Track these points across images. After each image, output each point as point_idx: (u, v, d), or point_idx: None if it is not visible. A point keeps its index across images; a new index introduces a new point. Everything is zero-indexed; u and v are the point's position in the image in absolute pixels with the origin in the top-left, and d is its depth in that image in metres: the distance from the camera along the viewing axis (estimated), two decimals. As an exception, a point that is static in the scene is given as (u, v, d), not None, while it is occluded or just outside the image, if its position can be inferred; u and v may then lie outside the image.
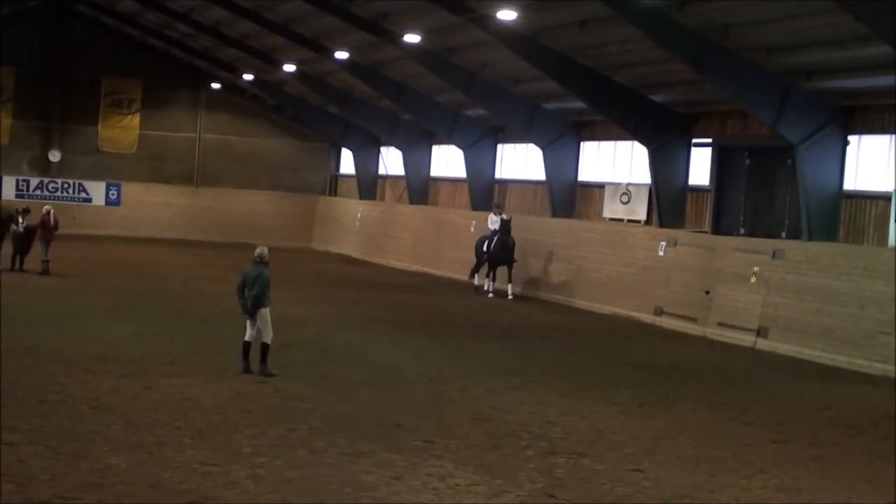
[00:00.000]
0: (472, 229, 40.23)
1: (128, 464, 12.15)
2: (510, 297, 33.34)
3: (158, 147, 55.01)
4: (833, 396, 19.62)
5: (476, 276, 35.49)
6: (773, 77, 26.05)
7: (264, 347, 18.17)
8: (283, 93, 52.42)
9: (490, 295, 33.81)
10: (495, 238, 33.77)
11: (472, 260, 35.72)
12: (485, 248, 34.48)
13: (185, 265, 39.94)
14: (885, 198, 25.50)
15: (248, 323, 18.36)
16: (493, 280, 34.30)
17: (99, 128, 53.95)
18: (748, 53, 25.82)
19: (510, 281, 33.70)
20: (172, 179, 55.21)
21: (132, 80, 53.77)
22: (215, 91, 55.09)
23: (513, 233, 34.31)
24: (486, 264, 34.66)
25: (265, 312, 18.20)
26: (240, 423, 14.55)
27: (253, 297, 18.10)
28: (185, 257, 43.46)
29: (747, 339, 25.87)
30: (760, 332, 25.72)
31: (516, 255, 33.69)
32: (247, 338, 18.33)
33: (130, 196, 54.21)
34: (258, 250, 18.66)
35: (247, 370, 18.11)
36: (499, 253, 33.66)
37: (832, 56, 24.52)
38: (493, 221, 34.36)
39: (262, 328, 18.18)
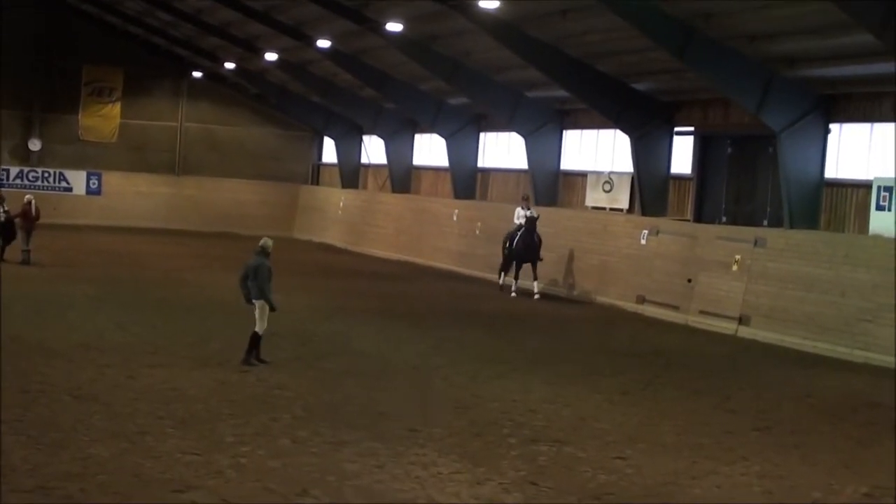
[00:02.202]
0: (455, 218, 40.29)
1: (110, 453, 12.13)
2: (536, 295, 30.95)
3: (140, 136, 54.82)
4: (814, 383, 19.70)
5: (503, 275, 32.94)
6: (756, 65, 26.09)
7: (254, 337, 18.14)
8: (265, 81, 52.28)
9: (513, 294, 31.39)
10: (518, 234, 31.70)
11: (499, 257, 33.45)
12: (508, 245, 32.45)
13: (167, 254, 39.86)
14: (865, 186, 25.58)
15: (256, 314, 18.35)
16: (517, 278, 31.84)
17: (80, 116, 53.74)
18: (731, 42, 25.85)
19: (535, 279, 31.15)
20: (154, 168, 55.03)
21: (113, 68, 53.56)
22: (197, 80, 54.93)
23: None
24: (511, 262, 32.44)
25: (262, 304, 18.15)
26: (223, 412, 14.54)
27: (259, 289, 18.07)
28: (167, 246, 43.36)
29: (729, 327, 25.95)
30: (742, 320, 25.80)
31: (542, 254, 31.35)
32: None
33: (111, 185, 54.02)
34: (262, 241, 18.66)
35: (259, 361, 18.14)
36: (523, 252, 31.45)
37: (814, 44, 24.57)
38: (520, 216, 32.14)
39: (258, 318, 18.14)
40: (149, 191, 54.67)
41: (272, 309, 18.28)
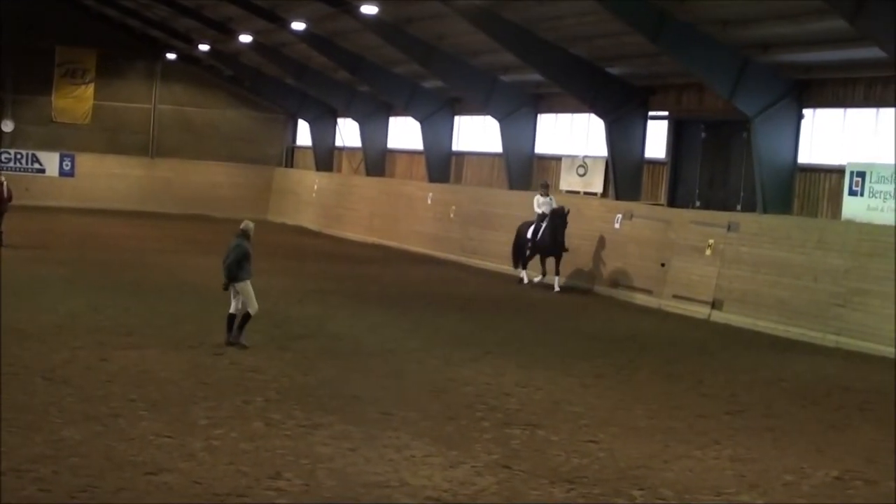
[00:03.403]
0: (429, 201, 40.27)
1: (82, 436, 12.10)
2: (557, 289, 29.35)
3: (113, 118, 54.53)
4: (786, 368, 19.79)
5: (521, 268, 31.10)
6: (730, 50, 26.14)
7: (244, 317, 18.10)
8: (239, 63, 52.08)
9: (557, 289, 29.42)
10: (543, 226, 29.71)
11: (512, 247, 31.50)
12: (529, 236, 30.28)
13: (141, 237, 39.73)
14: (838, 171, 25.69)
15: (231, 295, 18.28)
16: (544, 273, 30.04)
17: (53, 98, 53.39)
18: (705, 27, 25.89)
19: (557, 273, 29.64)
20: (127, 150, 54.75)
21: (86, 49, 53.21)
22: (171, 62, 54.64)
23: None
24: (527, 254, 30.67)
25: (244, 286, 18.08)
26: (196, 394, 14.51)
27: (226, 268, 18.05)
28: (141, 229, 43.21)
29: (702, 311, 26.04)
30: (715, 304, 25.89)
31: (567, 245, 29.48)
32: (231, 310, 18.26)
33: (84, 167, 53.74)
34: (243, 224, 18.66)
35: (229, 342, 18.05)
36: (549, 244, 29.53)
37: (788, 30, 24.63)
38: (541, 204, 30.19)
39: (245, 300, 18.08)
40: (122, 173, 54.42)
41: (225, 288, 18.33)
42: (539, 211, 30.27)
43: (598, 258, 30.37)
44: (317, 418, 13.50)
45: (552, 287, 29.55)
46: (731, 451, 13.17)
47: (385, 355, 18.51)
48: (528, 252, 30.64)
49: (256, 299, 18.31)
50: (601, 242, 30.27)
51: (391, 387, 15.87)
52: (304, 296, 25.60)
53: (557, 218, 29.39)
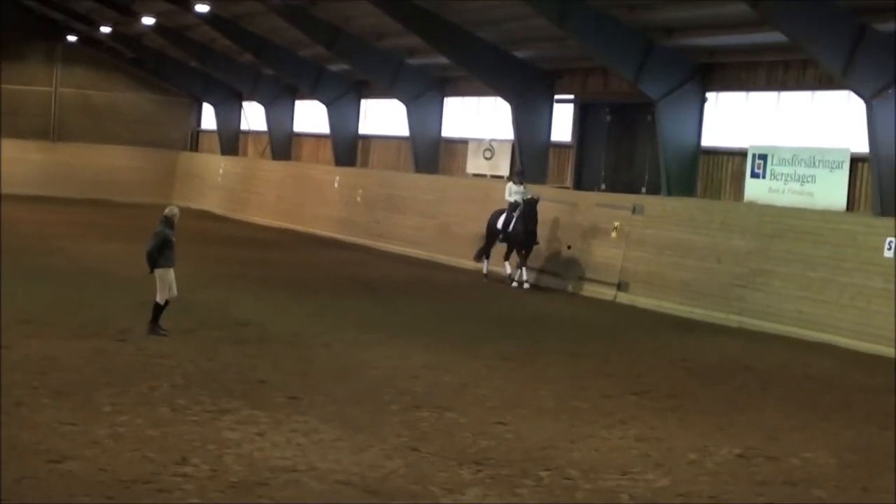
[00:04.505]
0: (336, 185, 40.15)
1: (-17, 424, 11.89)
2: (526, 284, 27.45)
3: (13, 101, 53.43)
4: (690, 348, 20.06)
5: (485, 259, 29.06)
6: (635, 34, 26.36)
7: (155, 307, 17.83)
8: (142, 46, 51.41)
9: (514, 284, 27.72)
10: (515, 217, 27.74)
11: (481, 238, 29.48)
12: (500, 227, 28.28)
13: (42, 222, 39.08)
14: (741, 154, 26.05)
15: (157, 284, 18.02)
16: (521, 265, 27.77)
17: (-51, 80, 52.31)
18: (610, 10, 26.05)
19: (524, 266, 27.65)
20: (27, 134, 53.74)
21: (-16, 30, 52.19)
22: (72, 44, 53.76)
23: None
24: (495, 245, 28.80)
25: (162, 273, 17.78)
26: (100, 381, 14.32)
27: (147, 254, 17.75)
28: (42, 214, 42.49)
29: (608, 293, 26.28)
30: (621, 286, 26.15)
31: (538, 239, 27.58)
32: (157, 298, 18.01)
33: (-17, 151, 52.67)
34: (166, 210, 18.27)
35: (155, 332, 17.81)
36: (521, 237, 27.46)
37: (691, 14, 24.90)
38: (513, 192, 28.12)
39: (159, 287, 17.79)
40: (22, 157, 53.32)
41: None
42: (511, 200, 28.19)
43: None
44: (223, 403, 13.41)
45: (522, 284, 27.51)
46: (636, 431, 13.32)
47: (291, 339, 18.43)
48: (497, 243, 28.69)
49: (152, 285, 18.06)
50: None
51: (298, 371, 15.80)
52: (208, 280, 25.36)
53: (529, 209, 27.41)
